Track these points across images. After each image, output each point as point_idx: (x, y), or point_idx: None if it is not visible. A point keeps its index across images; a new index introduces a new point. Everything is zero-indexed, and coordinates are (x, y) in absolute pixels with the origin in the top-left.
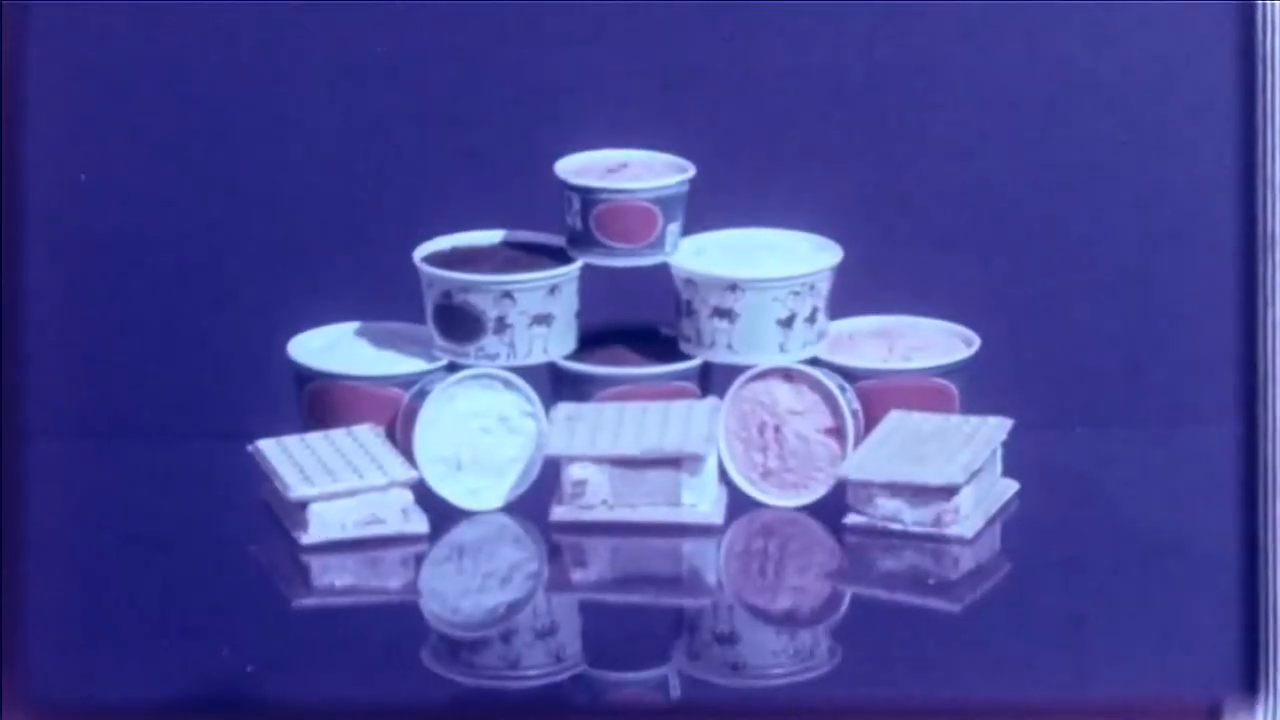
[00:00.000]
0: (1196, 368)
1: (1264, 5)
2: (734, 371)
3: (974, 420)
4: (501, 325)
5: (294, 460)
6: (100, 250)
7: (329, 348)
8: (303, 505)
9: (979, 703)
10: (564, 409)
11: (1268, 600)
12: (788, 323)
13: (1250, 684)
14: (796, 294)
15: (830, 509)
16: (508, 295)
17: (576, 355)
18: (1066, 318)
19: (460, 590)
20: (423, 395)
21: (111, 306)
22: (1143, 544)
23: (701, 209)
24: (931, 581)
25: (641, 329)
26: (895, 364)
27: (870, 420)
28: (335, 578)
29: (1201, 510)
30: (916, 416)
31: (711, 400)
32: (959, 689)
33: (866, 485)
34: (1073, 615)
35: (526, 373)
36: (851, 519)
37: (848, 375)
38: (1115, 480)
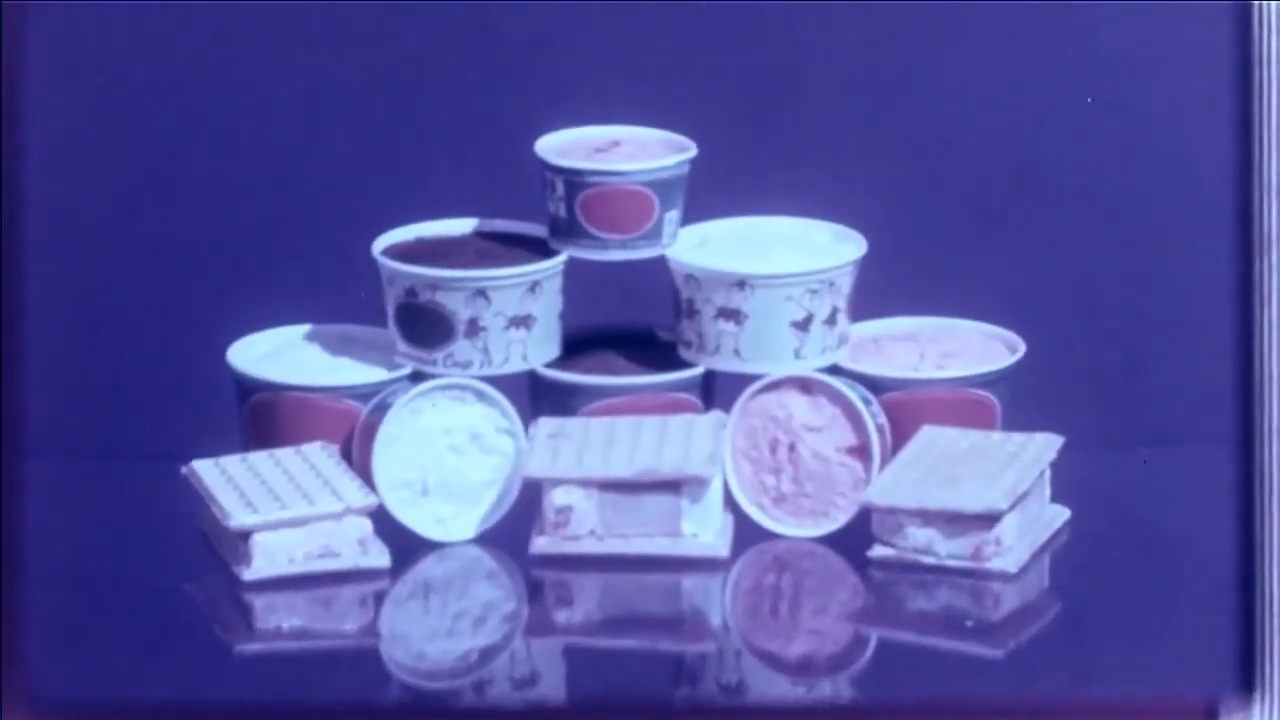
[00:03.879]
0: (1197, 368)
1: (1261, 5)
2: (742, 381)
3: (1018, 437)
4: (474, 328)
5: (234, 484)
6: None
7: (274, 354)
8: (245, 536)
9: (978, 702)
10: (546, 425)
11: (1264, 599)
12: (804, 325)
13: (1247, 683)
14: (814, 292)
15: (853, 540)
16: (481, 294)
17: (560, 363)
18: (1114, 323)
19: (427, 633)
20: (383, 409)
21: (23, 304)
22: (1183, 559)
23: (704, 194)
24: (970, 623)
25: (635, 332)
26: (927, 373)
27: (898, 437)
28: (282, 619)
29: (1203, 512)
30: (952, 433)
31: (716, 414)
32: (958, 688)
33: (894, 512)
34: (1073, 617)
35: (503, 383)
36: (877, 551)
37: (873, 385)
38: (1175, 505)
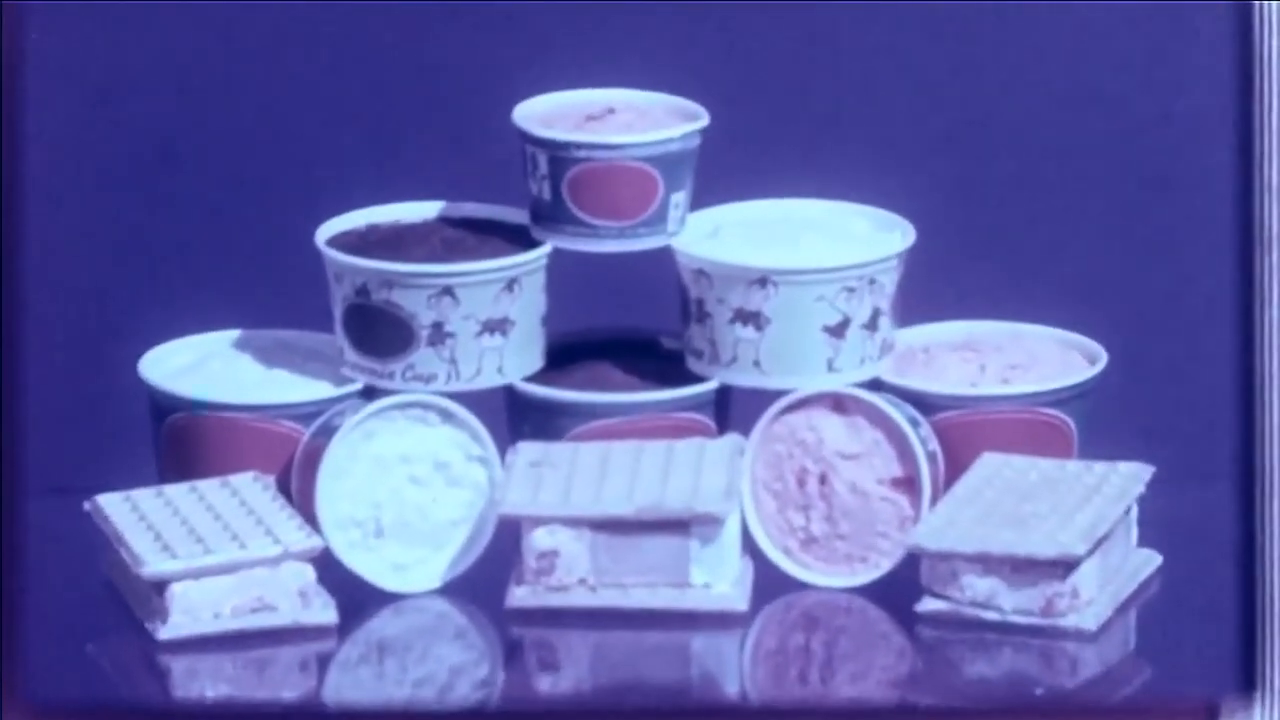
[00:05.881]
0: (1195, 367)
1: (1261, 6)
2: (764, 399)
3: (1099, 467)
4: (439, 334)
5: (148, 523)
6: None
7: (197, 366)
8: (161, 586)
9: (977, 702)
10: (526, 451)
11: (1265, 597)
12: (838, 330)
13: (1248, 682)
14: (850, 290)
15: (898, 591)
16: (447, 292)
17: (544, 376)
18: (1205, 325)
19: (381, 703)
20: (328, 432)
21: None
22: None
23: (718, 172)
24: (1040, 692)
25: (634, 340)
26: (988, 388)
27: (953, 467)
28: (206, 686)
29: (1204, 509)
30: (1018, 462)
31: (732, 439)
32: (957, 688)
33: (948, 558)
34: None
35: (474, 401)
36: (928, 605)
37: (922, 404)
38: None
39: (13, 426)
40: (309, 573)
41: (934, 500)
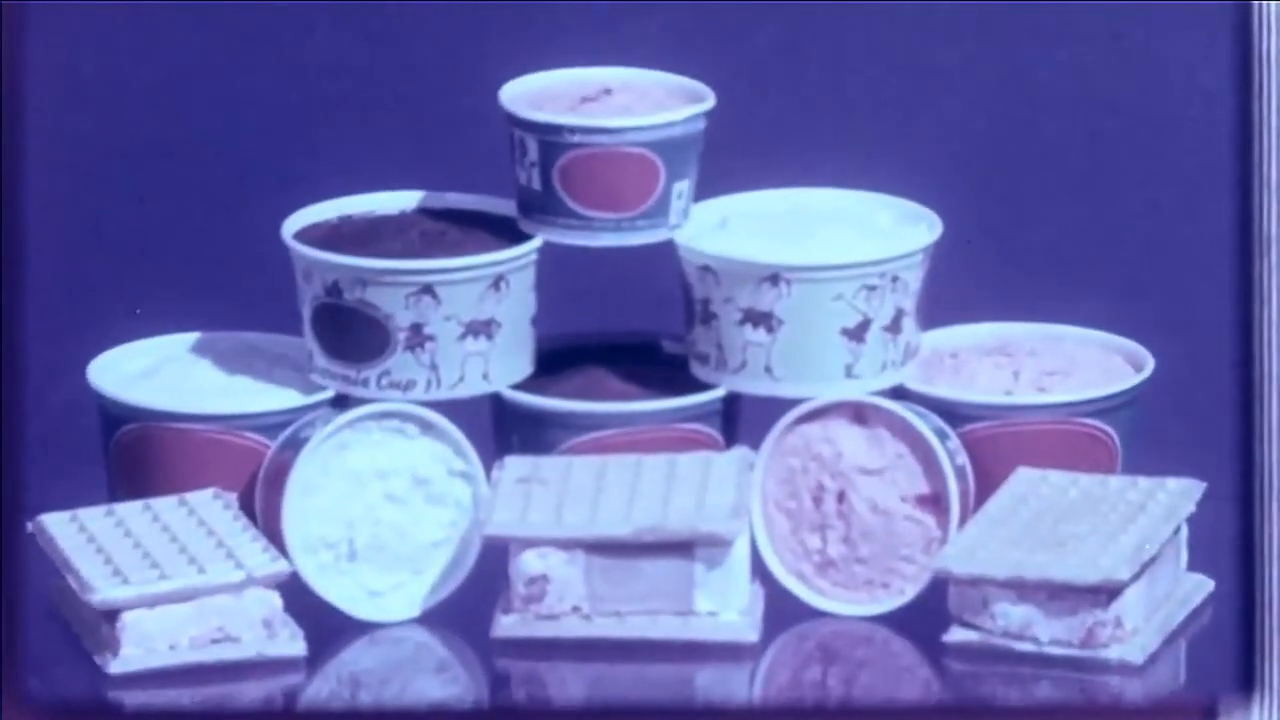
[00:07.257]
0: (1195, 367)
1: (1261, 6)
2: (776, 408)
3: (1144, 483)
4: (418, 337)
5: (98, 545)
6: None
7: (152, 372)
8: (111, 615)
9: (977, 702)
10: (514, 467)
11: (1264, 597)
12: (858, 333)
13: (1246, 682)
14: (872, 289)
15: (923, 620)
16: (427, 291)
17: (533, 383)
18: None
19: None
20: (297, 445)
21: None
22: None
23: (725, 158)
24: None
25: (633, 343)
26: (1023, 397)
27: (985, 483)
28: None
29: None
30: (1056, 478)
31: (741, 453)
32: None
33: (979, 584)
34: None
35: (457, 410)
36: (956, 635)
37: (951, 415)
38: None
39: (12, 428)
40: (275, 600)
41: (963, 520)
